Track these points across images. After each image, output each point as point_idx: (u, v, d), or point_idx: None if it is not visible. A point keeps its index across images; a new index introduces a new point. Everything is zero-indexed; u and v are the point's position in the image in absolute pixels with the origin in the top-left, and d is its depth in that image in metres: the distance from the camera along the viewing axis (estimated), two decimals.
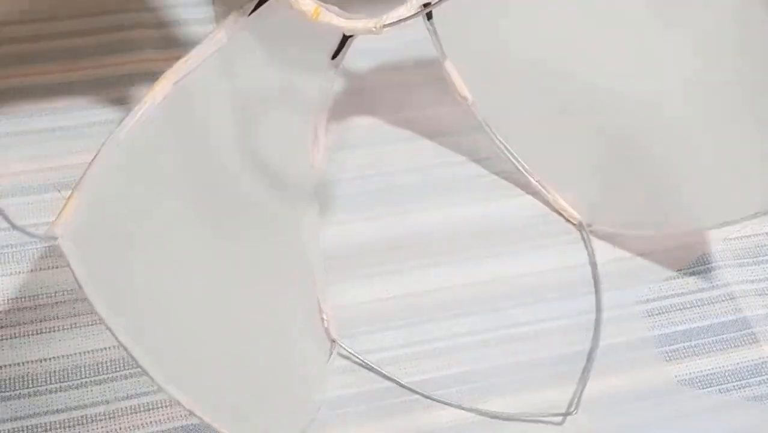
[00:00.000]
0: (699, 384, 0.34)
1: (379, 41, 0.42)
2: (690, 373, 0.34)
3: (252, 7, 0.29)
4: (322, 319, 0.34)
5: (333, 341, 0.34)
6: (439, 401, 0.33)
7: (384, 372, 0.33)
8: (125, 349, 0.23)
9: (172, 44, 0.42)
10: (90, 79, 0.41)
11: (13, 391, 0.32)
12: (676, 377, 0.34)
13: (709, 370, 0.34)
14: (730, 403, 0.34)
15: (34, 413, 0.31)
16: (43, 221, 0.35)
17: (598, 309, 0.35)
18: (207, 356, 0.28)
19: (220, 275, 0.30)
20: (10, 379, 0.32)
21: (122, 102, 0.40)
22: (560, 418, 0.33)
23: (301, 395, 0.32)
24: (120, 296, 0.25)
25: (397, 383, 0.33)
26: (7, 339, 0.33)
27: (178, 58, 0.44)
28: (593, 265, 0.36)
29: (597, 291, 0.36)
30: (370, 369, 0.33)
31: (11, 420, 0.31)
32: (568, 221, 0.38)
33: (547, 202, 0.38)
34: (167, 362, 0.25)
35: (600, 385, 0.34)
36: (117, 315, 0.23)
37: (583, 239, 0.37)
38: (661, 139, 0.34)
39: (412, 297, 0.35)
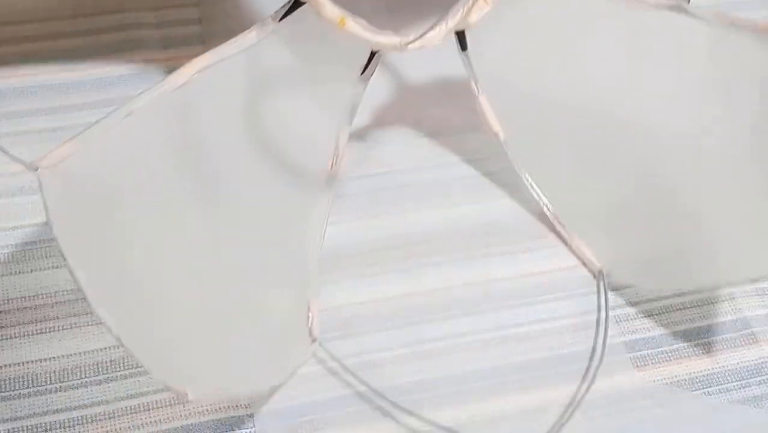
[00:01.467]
0: (699, 384, 0.34)
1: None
2: (690, 373, 0.34)
3: (283, 13, 0.30)
4: (308, 317, 0.33)
5: (314, 340, 0.33)
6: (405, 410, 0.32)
7: (361, 378, 0.33)
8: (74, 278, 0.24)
9: (172, 44, 0.42)
10: (90, 79, 0.41)
11: (13, 391, 0.32)
12: (676, 376, 0.34)
13: (709, 370, 0.34)
14: (730, 403, 0.34)
15: (34, 413, 0.32)
16: (42, 221, 0.35)
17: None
18: (171, 309, 0.28)
19: (207, 246, 0.31)
20: (10, 379, 0.32)
21: (122, 102, 0.40)
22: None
23: (264, 369, 0.32)
24: (89, 244, 0.26)
25: (371, 388, 0.33)
26: (7, 339, 0.33)
27: (178, 57, 0.44)
28: (607, 319, 0.35)
29: (605, 319, 0.35)
30: (348, 372, 0.33)
31: (11, 420, 0.31)
32: (586, 266, 0.36)
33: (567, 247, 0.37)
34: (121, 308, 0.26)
35: (600, 385, 0.34)
36: (81, 260, 0.24)
37: (598, 289, 0.36)
38: (690, 191, 0.33)
39: (412, 297, 0.35)
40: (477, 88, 0.35)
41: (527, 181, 0.37)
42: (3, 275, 0.35)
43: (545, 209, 0.37)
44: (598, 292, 0.36)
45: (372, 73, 0.32)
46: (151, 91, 0.27)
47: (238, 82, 0.31)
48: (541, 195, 0.37)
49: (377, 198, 0.38)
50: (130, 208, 0.28)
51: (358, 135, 0.39)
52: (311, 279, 0.34)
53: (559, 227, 0.37)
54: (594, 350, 0.34)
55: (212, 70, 0.29)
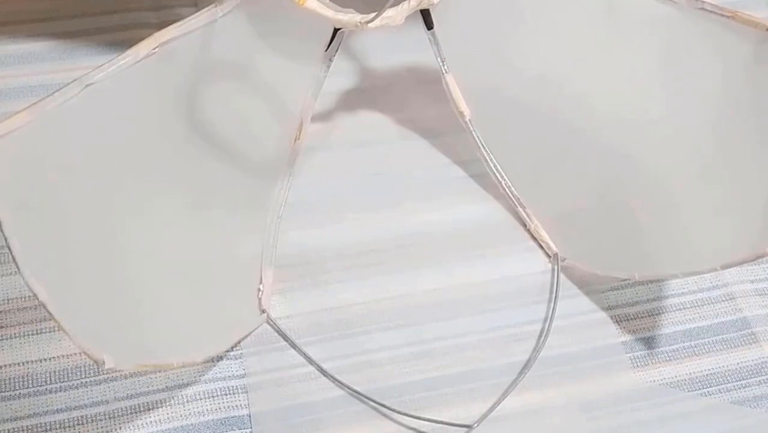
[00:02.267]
0: (699, 384, 0.34)
1: (381, 41, 0.42)
2: (690, 373, 0.34)
3: None
4: (259, 289, 0.34)
5: (263, 311, 0.34)
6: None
7: (305, 352, 0.33)
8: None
9: None
10: None
11: (13, 391, 0.32)
12: (676, 376, 0.34)
13: (709, 370, 0.34)
14: (730, 403, 0.34)
15: (34, 413, 0.32)
16: None
17: (552, 318, 0.35)
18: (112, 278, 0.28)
19: (165, 219, 0.31)
20: (10, 379, 0.32)
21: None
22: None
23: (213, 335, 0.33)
24: (34, 212, 0.26)
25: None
26: (7, 339, 0.33)
27: None
28: (556, 298, 0.36)
29: (555, 298, 0.35)
30: (294, 347, 0.33)
31: (11, 420, 0.31)
32: (542, 249, 0.37)
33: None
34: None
35: (600, 385, 0.34)
36: (18, 228, 0.24)
37: (553, 271, 0.36)
38: (641, 189, 0.34)
39: (412, 297, 0.35)
40: (443, 67, 0.35)
41: (490, 161, 0.37)
42: (3, 275, 0.35)
43: (507, 190, 0.37)
44: (553, 273, 0.36)
45: (336, 52, 0.32)
46: (111, 63, 0.27)
47: (200, 56, 0.30)
48: (504, 176, 0.37)
49: (374, 200, 0.38)
50: (86, 179, 0.27)
51: (350, 137, 0.39)
52: (266, 251, 0.34)
53: (519, 209, 0.37)
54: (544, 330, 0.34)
55: (174, 44, 0.28)
